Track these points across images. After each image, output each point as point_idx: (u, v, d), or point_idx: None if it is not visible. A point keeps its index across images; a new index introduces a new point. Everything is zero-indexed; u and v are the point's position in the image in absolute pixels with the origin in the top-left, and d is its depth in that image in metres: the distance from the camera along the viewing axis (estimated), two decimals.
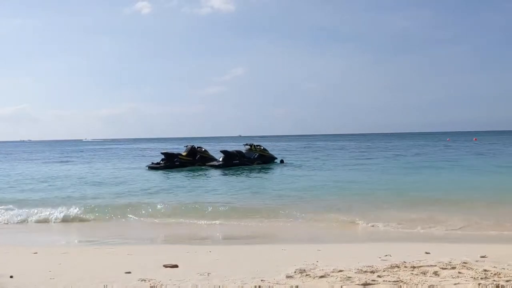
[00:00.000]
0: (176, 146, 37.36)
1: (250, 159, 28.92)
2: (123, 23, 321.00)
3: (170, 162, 28.18)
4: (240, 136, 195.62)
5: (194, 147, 29.75)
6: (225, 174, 23.85)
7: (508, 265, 5.09)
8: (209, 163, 28.41)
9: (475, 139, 76.69)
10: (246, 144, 30.49)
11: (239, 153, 29.10)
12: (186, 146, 30.24)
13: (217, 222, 10.76)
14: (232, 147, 32.97)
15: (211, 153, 30.62)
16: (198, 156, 29.21)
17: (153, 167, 28.00)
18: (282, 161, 30.39)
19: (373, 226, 9.82)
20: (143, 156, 44.42)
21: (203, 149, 30.04)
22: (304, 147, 58.40)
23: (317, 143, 78.38)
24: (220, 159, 28.41)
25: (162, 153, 29.52)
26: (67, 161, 39.20)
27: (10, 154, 59.03)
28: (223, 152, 28.72)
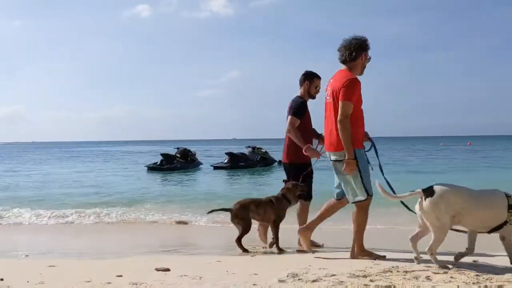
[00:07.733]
0: (170, 148, 37.87)
1: (253, 161, 29.52)
2: (122, 26, 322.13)
3: (170, 164, 28.93)
4: (235, 139, 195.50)
5: (186, 150, 30.88)
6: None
7: (500, 269, 5.13)
8: (216, 165, 29.40)
9: (470, 144, 76.86)
10: (249, 147, 31.33)
11: (243, 155, 29.91)
12: (178, 148, 31.07)
13: None
14: (231, 149, 33.81)
15: (215, 156, 32.09)
16: (189, 158, 30.29)
17: (154, 168, 28.60)
18: None
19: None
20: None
21: (194, 152, 31.04)
22: None
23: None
24: (225, 161, 29.25)
25: (161, 155, 30.38)
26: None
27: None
28: (229, 154, 29.68)
